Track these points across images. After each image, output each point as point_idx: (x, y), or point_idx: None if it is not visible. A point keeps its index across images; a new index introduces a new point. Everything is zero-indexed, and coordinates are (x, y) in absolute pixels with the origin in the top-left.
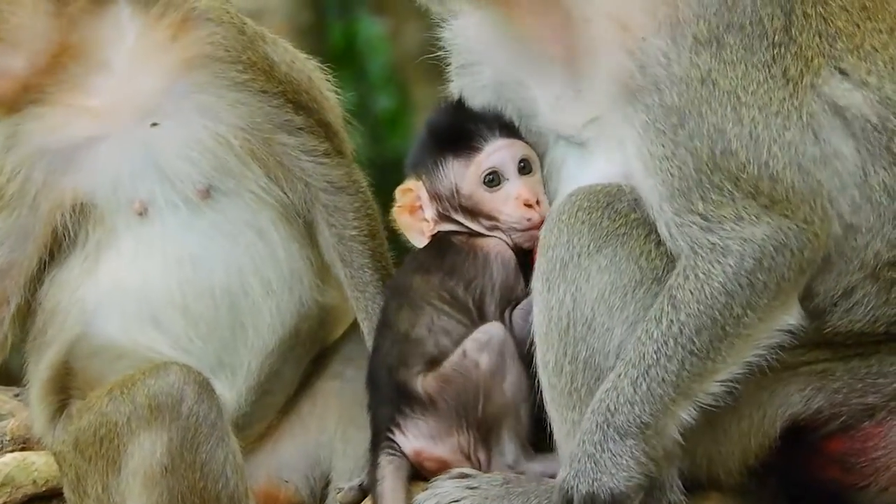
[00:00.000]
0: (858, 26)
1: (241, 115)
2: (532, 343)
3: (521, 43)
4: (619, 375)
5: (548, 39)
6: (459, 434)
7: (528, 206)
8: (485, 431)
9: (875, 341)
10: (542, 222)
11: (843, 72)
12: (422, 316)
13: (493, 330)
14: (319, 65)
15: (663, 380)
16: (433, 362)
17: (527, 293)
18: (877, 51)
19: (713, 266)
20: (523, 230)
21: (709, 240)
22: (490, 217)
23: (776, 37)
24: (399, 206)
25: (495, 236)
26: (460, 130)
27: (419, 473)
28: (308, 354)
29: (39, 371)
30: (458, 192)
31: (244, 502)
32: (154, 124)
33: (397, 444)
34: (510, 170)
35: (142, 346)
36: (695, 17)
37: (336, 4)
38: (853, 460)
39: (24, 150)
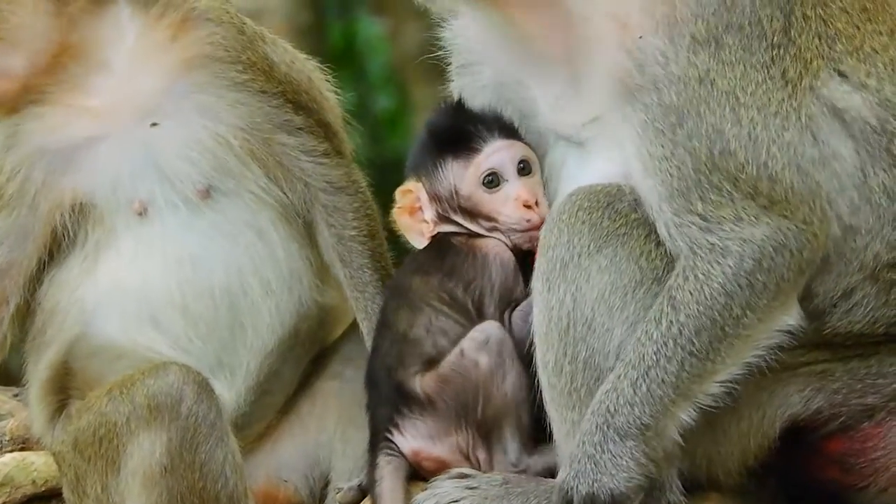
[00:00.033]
0: (858, 28)
1: (240, 115)
2: (532, 343)
3: (521, 43)
4: (619, 377)
5: (547, 39)
6: (458, 434)
7: (528, 206)
8: (485, 431)
9: (874, 342)
10: (541, 223)
11: (842, 74)
12: (420, 316)
13: (490, 329)
14: (319, 65)
15: (663, 381)
16: (431, 362)
17: (526, 294)
18: (877, 52)
19: (712, 267)
20: (522, 231)
21: (708, 240)
22: (489, 218)
23: (775, 38)
24: (399, 208)
25: (494, 237)
26: (460, 132)
27: (418, 473)
28: (307, 354)
29: (39, 371)
30: (457, 193)
31: (243, 502)
32: (154, 124)
33: (396, 445)
34: (509, 171)
35: (141, 346)
36: (693, 16)
37: (335, 4)
38: (852, 461)
39: (23, 149)
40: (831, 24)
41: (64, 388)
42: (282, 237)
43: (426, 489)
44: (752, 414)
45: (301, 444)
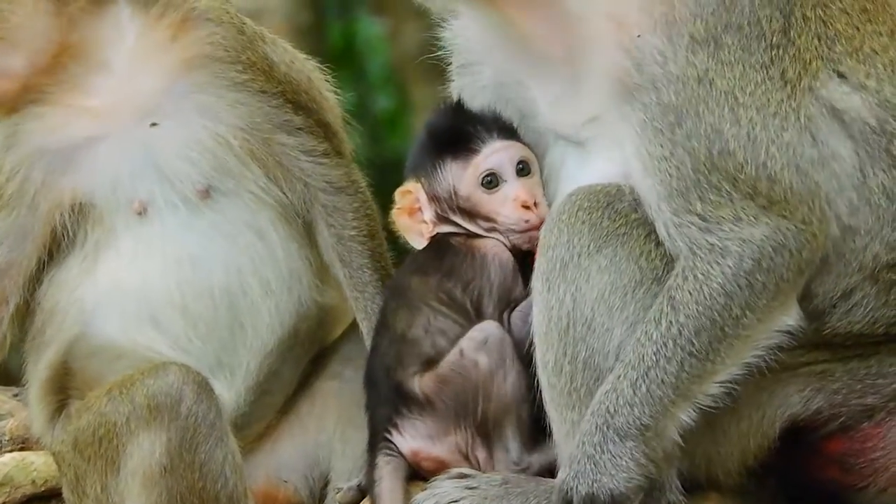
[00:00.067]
0: (858, 29)
1: (240, 115)
2: (532, 343)
3: (520, 42)
4: (619, 377)
5: (545, 38)
6: (457, 433)
7: (526, 207)
8: (485, 430)
9: (874, 342)
10: (540, 224)
11: (841, 75)
12: (418, 317)
13: (489, 328)
14: (319, 65)
15: (662, 381)
16: (430, 363)
17: (525, 295)
18: (877, 53)
19: (712, 267)
20: (521, 232)
21: (707, 240)
22: (488, 219)
23: (774, 38)
24: (398, 208)
25: (493, 238)
26: (459, 132)
27: (418, 473)
28: (307, 354)
29: (38, 371)
30: (456, 193)
31: (243, 502)
32: (153, 124)
33: (395, 445)
34: (508, 171)
35: (141, 346)
36: (692, 16)
37: (335, 4)
38: (852, 461)
39: (23, 149)
40: (831, 25)
41: (63, 388)
42: (281, 237)
43: (426, 489)
44: (751, 414)
45: (301, 444)
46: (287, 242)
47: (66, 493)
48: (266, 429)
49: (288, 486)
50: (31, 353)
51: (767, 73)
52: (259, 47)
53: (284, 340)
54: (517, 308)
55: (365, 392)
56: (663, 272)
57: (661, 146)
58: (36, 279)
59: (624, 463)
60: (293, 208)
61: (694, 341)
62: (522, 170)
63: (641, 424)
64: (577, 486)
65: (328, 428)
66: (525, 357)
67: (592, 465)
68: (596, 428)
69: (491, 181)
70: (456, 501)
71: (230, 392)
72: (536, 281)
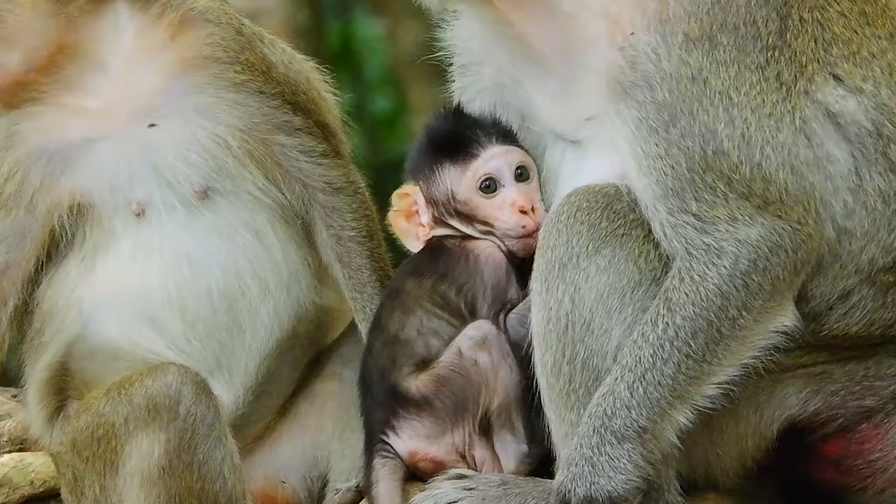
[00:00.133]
0: (856, 32)
1: (239, 115)
2: (530, 344)
3: (517, 42)
4: (616, 379)
5: (541, 37)
6: (454, 433)
7: (524, 212)
8: (486, 427)
9: (872, 344)
10: (537, 230)
11: (837, 78)
12: (412, 318)
13: (485, 326)
14: (317, 65)
15: (660, 383)
16: (424, 363)
17: (520, 296)
18: (874, 57)
19: (708, 268)
20: (518, 237)
21: (703, 241)
22: (485, 223)
23: (770, 40)
24: (395, 211)
25: (488, 240)
26: (458, 136)
27: (416, 474)
28: (306, 355)
29: (37, 372)
30: (454, 197)
31: (242, 503)
32: (152, 125)
33: (391, 446)
34: (506, 176)
35: (139, 347)
36: (686, 14)
37: (334, 5)
38: (850, 462)
39: (21, 150)
40: (828, 27)
41: (62, 389)
42: (280, 238)
43: (424, 490)
44: (749, 415)
45: (299, 444)
46: (286, 243)
47: (64, 494)
48: (265, 429)
49: (286, 487)
50: (29, 353)
51: (763, 74)
52: (258, 48)
53: (283, 341)
54: (514, 310)
55: (359, 394)
56: (662, 273)
57: (657, 145)
58: (34, 280)
59: (622, 465)
60: (292, 209)
61: (691, 343)
62: (521, 175)
63: (639, 426)
64: (574, 489)
65: (327, 429)
66: (524, 359)
67: (590, 468)
68: (593, 430)
69: (489, 186)
70: (455, 502)
71: (229, 393)
72: (535, 282)
